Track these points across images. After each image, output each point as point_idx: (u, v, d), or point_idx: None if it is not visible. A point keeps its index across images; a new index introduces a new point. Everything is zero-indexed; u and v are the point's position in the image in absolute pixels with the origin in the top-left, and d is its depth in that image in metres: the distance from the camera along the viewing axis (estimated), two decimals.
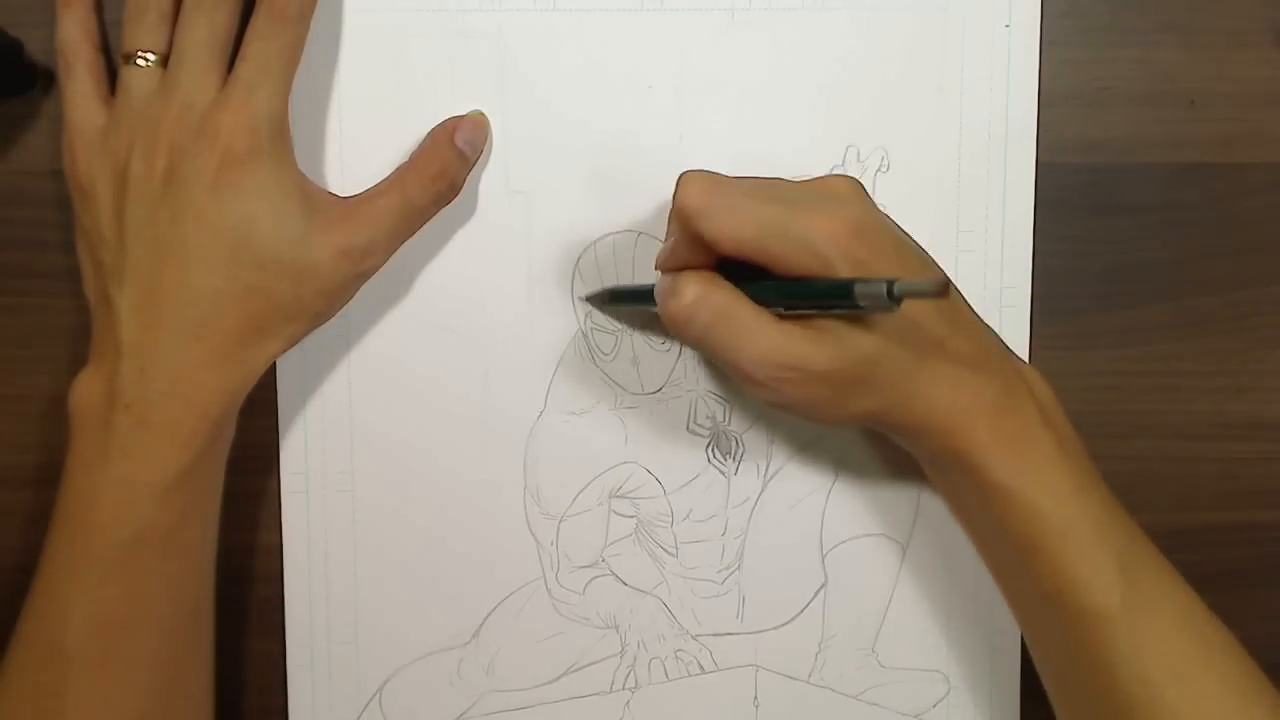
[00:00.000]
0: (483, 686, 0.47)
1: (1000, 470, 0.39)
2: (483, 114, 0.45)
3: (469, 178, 0.45)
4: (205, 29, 0.41)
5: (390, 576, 0.47)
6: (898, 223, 0.40)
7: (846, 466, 0.47)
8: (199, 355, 0.40)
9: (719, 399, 0.47)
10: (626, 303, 0.45)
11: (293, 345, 0.42)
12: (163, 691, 0.42)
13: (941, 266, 0.41)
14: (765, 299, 0.38)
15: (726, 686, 0.48)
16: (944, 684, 0.48)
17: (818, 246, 0.36)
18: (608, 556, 0.47)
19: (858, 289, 0.35)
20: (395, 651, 0.47)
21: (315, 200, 0.42)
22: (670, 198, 0.39)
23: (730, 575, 0.47)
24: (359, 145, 0.45)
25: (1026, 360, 0.46)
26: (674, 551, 0.47)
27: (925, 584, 0.47)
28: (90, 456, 0.40)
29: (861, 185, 0.39)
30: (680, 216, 0.38)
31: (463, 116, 0.44)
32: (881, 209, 0.40)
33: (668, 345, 0.46)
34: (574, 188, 0.45)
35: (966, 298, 0.42)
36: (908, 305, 0.34)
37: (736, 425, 0.47)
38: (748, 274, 0.38)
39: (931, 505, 0.47)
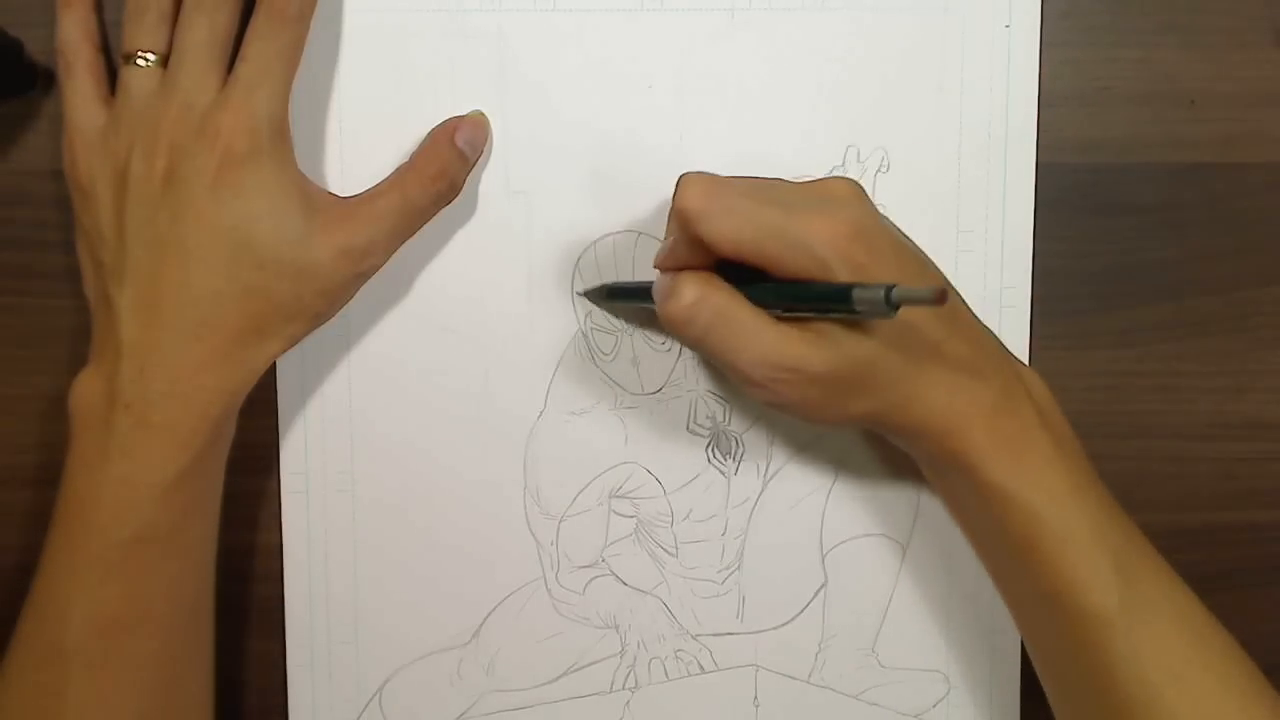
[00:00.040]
0: (483, 686, 0.47)
1: (998, 472, 0.39)
2: (483, 114, 0.45)
3: (469, 178, 0.45)
4: (205, 29, 0.41)
5: (390, 576, 0.47)
6: (897, 224, 0.40)
7: (846, 467, 0.47)
8: (199, 355, 0.40)
9: (719, 399, 0.47)
10: (625, 300, 0.45)
11: (293, 345, 0.42)
12: (163, 691, 0.42)
13: (941, 269, 0.41)
14: (764, 301, 0.38)
15: (726, 686, 0.48)
16: (944, 684, 0.48)
17: (816, 249, 0.36)
18: (608, 556, 0.47)
19: (855, 294, 0.35)
20: (395, 651, 0.47)
21: (315, 200, 0.42)
22: (670, 198, 0.39)
23: (730, 575, 0.47)
24: (359, 145, 0.45)
25: (1026, 360, 0.46)
26: (674, 551, 0.47)
27: (925, 584, 0.48)
28: (90, 456, 0.40)
29: (861, 188, 0.39)
30: (679, 218, 0.38)
31: (463, 116, 0.44)
32: (881, 209, 0.40)
33: (668, 345, 0.46)
34: (574, 188, 0.45)
35: (966, 298, 0.42)
36: (906, 310, 0.34)
37: (736, 425, 0.47)
38: (747, 275, 0.38)
39: (931, 505, 0.47)
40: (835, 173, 0.46)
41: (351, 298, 0.43)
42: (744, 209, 0.37)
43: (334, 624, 0.47)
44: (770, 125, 0.45)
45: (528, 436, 0.46)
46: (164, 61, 0.41)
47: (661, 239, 0.43)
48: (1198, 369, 0.47)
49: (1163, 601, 0.40)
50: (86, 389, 0.41)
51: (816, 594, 0.48)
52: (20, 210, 0.46)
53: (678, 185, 0.38)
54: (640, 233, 0.46)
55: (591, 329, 0.46)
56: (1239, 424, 0.47)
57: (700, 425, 0.47)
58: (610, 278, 0.46)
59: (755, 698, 0.48)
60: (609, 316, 0.46)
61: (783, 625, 0.48)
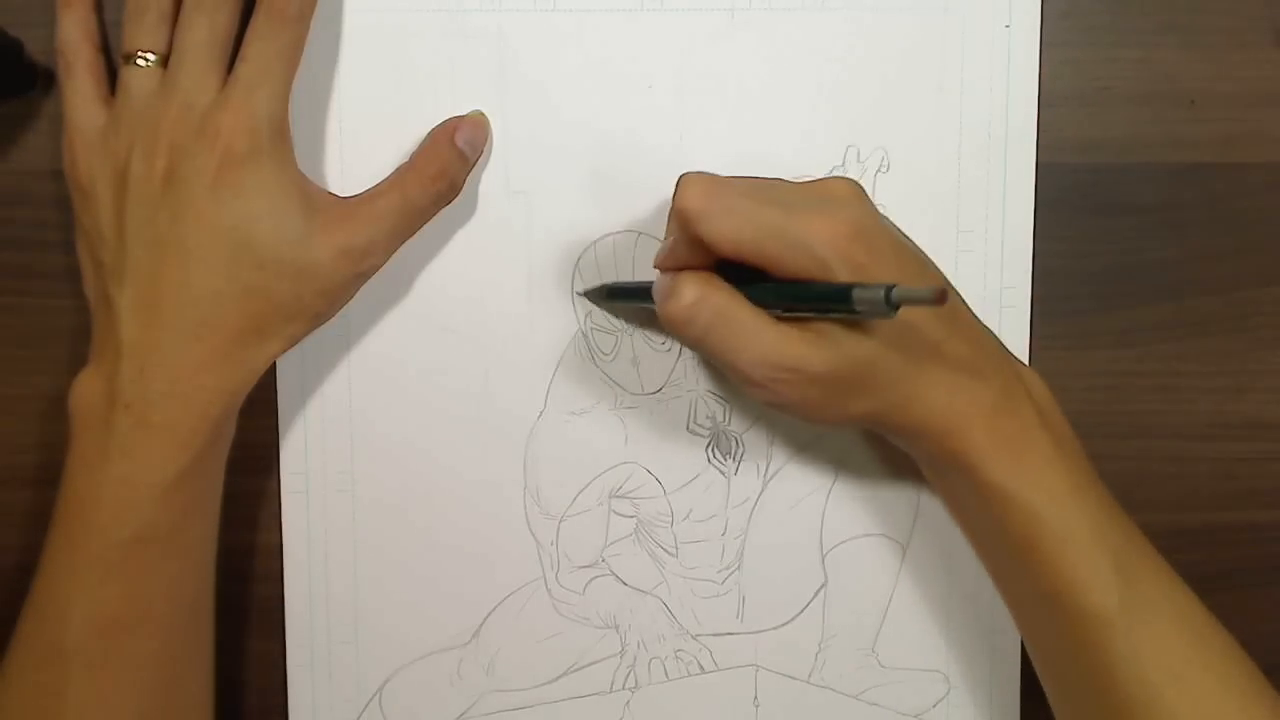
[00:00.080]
0: (483, 686, 0.47)
1: (998, 472, 0.39)
2: (483, 114, 0.45)
3: (469, 178, 0.45)
4: (205, 29, 0.41)
5: (390, 576, 0.47)
6: (897, 224, 0.40)
7: (846, 467, 0.47)
8: (199, 355, 0.40)
9: (719, 399, 0.47)
10: (625, 299, 0.45)
11: (293, 345, 0.42)
12: (163, 691, 0.42)
13: (941, 269, 0.41)
14: (764, 301, 0.38)
15: (726, 686, 0.48)
16: (944, 684, 0.48)
17: (816, 249, 0.36)
18: (608, 556, 0.47)
19: (855, 294, 0.35)
20: (395, 651, 0.47)
21: (315, 200, 0.42)
22: (670, 198, 0.39)
23: (730, 575, 0.47)
24: (359, 145, 0.45)
25: (1026, 360, 0.46)
26: (674, 551, 0.47)
27: (925, 584, 0.48)
28: (90, 456, 0.40)
29: (861, 188, 0.39)
30: (679, 218, 0.38)
31: (463, 116, 0.44)
32: (881, 210, 0.40)
33: (668, 345, 0.46)
34: (574, 188, 0.45)
35: (966, 298, 0.42)
36: (906, 310, 0.34)
37: (736, 425, 0.47)
38: (746, 275, 0.38)
39: (931, 505, 0.47)
40: (835, 173, 0.46)
41: (351, 298, 0.43)
42: (744, 209, 0.37)
43: (334, 624, 0.47)
44: (770, 125, 0.45)
45: (528, 436, 0.46)
46: (164, 61, 0.41)
47: (661, 239, 0.43)
48: (1198, 369, 0.47)
49: (1163, 601, 0.40)
50: (86, 389, 0.41)
51: (816, 594, 0.48)
52: (20, 210, 0.46)
53: (678, 185, 0.38)
54: (640, 233, 0.46)
55: (591, 329, 0.46)
56: (1239, 424, 0.47)
57: (700, 425, 0.47)
58: (610, 278, 0.46)
59: (755, 698, 0.48)
60: (609, 316, 0.46)
61: (783, 625, 0.48)
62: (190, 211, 0.40)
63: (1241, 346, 0.47)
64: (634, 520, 0.47)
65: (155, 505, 0.40)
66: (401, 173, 0.44)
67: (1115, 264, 0.47)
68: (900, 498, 0.47)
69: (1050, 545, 0.39)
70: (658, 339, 0.46)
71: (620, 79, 0.45)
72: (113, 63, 0.43)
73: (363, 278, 0.43)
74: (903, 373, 0.39)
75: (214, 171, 0.39)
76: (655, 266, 0.40)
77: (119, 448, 0.40)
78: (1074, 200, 0.46)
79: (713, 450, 0.47)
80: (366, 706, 0.47)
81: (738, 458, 0.47)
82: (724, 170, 0.40)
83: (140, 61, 0.41)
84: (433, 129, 0.44)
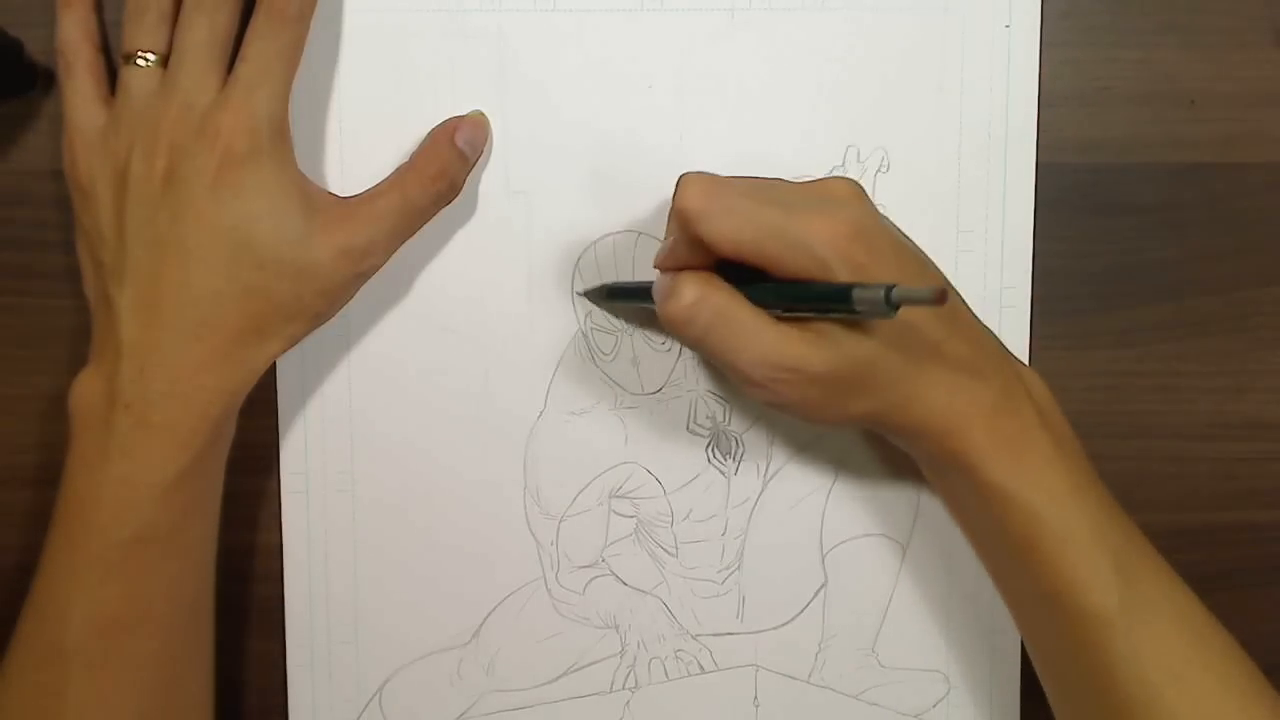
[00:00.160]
0: (483, 686, 0.47)
1: (998, 472, 0.39)
2: (483, 114, 0.45)
3: (469, 178, 0.45)
4: (205, 29, 0.41)
5: (390, 576, 0.47)
6: (897, 224, 0.40)
7: (846, 467, 0.47)
8: (199, 355, 0.40)
9: (719, 399, 0.47)
10: (624, 300, 0.45)
11: (293, 345, 0.42)
12: (163, 691, 0.42)
13: (941, 269, 0.41)
14: (764, 301, 0.38)
15: (726, 686, 0.48)
16: (944, 684, 0.48)
17: (816, 249, 0.36)
18: (608, 556, 0.47)
19: (855, 294, 0.35)
20: (395, 651, 0.47)
21: (315, 200, 0.42)
22: (670, 198, 0.39)
23: (730, 575, 0.47)
24: (359, 145, 0.45)
25: (1026, 360, 0.46)
26: (674, 551, 0.47)
27: (925, 584, 0.47)
28: (90, 456, 0.40)
29: (861, 188, 0.39)
30: (679, 218, 0.38)
31: (463, 116, 0.44)
32: (881, 210, 0.40)
33: (668, 345, 0.46)
34: (574, 188, 0.45)
35: (966, 298, 0.42)
36: (906, 310, 0.34)
37: (736, 425, 0.47)
38: (746, 275, 0.38)
39: (931, 505, 0.47)
40: (835, 173, 0.46)
41: (351, 298, 0.43)
42: (744, 209, 0.37)
43: (334, 624, 0.47)
44: (770, 125, 0.45)
45: (528, 436, 0.46)
46: (164, 61, 0.41)
47: (661, 239, 0.43)
48: (1198, 369, 0.47)
49: (1163, 601, 0.40)
50: (86, 389, 0.41)
51: (816, 594, 0.48)
52: (20, 210, 0.46)
53: (678, 185, 0.38)
54: (640, 233, 0.46)
55: (591, 329, 0.46)
56: (1239, 424, 0.47)
57: (700, 425, 0.47)
58: (610, 278, 0.46)
59: (755, 698, 0.48)
60: (609, 316, 0.46)
61: (783, 625, 0.48)
62: (190, 211, 0.40)
63: (1241, 346, 0.47)
64: (634, 520, 0.47)
65: (155, 505, 0.40)
66: (401, 173, 0.44)
67: (1115, 264, 0.47)
68: (900, 498, 0.47)
69: (1050, 545, 0.39)
70: (658, 339, 0.46)
71: (620, 79, 0.45)
72: (113, 63, 0.43)
73: (363, 278, 0.43)
74: (903, 373, 0.39)
75: (214, 171, 0.39)
76: (655, 266, 0.40)
77: (119, 448, 0.40)
78: (1074, 200, 0.46)
79: (713, 450, 0.47)
80: (366, 706, 0.47)
81: (738, 458, 0.47)
82: (724, 170, 0.40)
83: (140, 61, 0.41)
84: (433, 129, 0.44)
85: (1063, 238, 0.46)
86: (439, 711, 0.47)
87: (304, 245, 0.41)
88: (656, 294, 0.39)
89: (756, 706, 0.48)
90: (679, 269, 0.39)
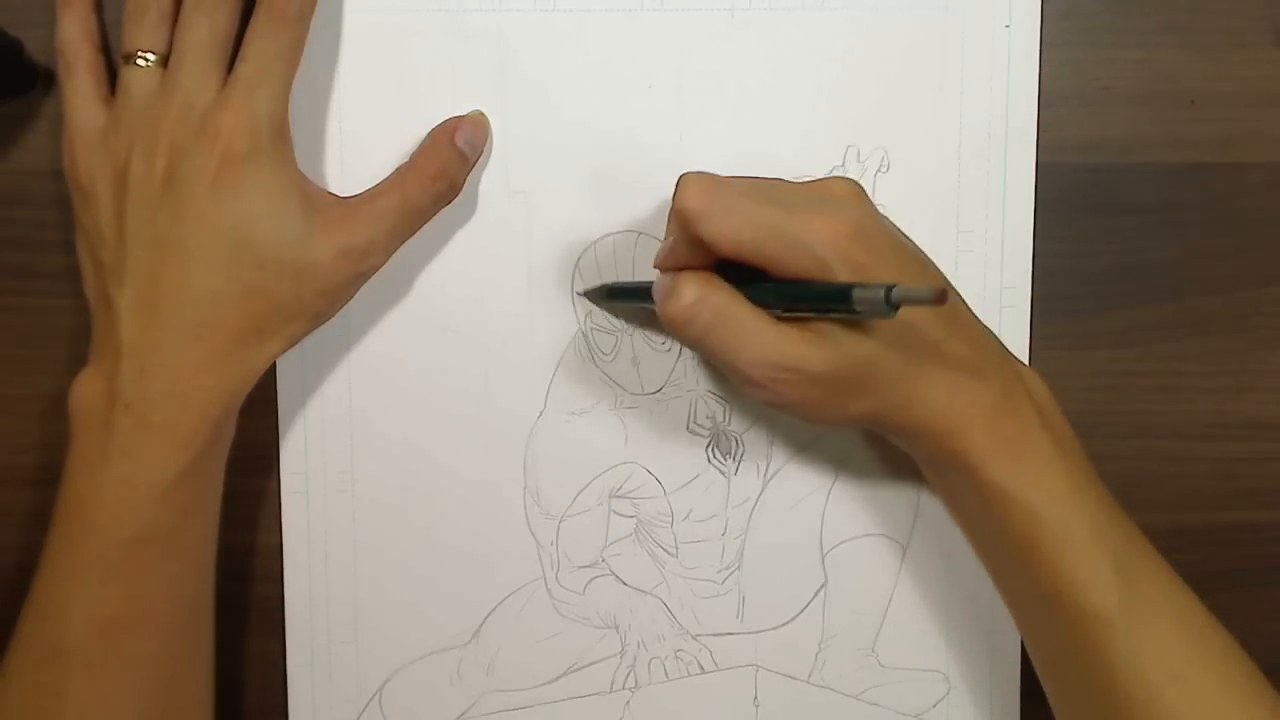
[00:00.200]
0: (483, 686, 0.47)
1: (998, 472, 0.39)
2: (483, 114, 0.45)
3: (469, 178, 0.45)
4: (205, 29, 0.41)
5: (390, 576, 0.47)
6: (897, 224, 0.40)
7: (846, 467, 0.47)
8: (199, 355, 0.40)
9: (719, 399, 0.47)
10: (625, 300, 0.45)
11: (293, 345, 0.42)
12: (163, 691, 0.42)
13: (941, 269, 0.41)
14: (764, 301, 0.38)
15: (726, 686, 0.48)
16: (944, 684, 0.48)
17: (816, 249, 0.36)
18: (608, 556, 0.47)
19: (855, 294, 0.35)
20: (395, 651, 0.47)
21: (315, 200, 0.42)
22: (670, 198, 0.39)
23: (730, 575, 0.47)
24: (359, 145, 0.45)
25: (1026, 360, 0.46)
26: (674, 551, 0.47)
27: (925, 584, 0.47)
28: (90, 456, 0.40)
29: (861, 188, 0.39)
30: (679, 218, 0.38)
31: (463, 116, 0.44)
32: (881, 210, 0.40)
33: (668, 345, 0.46)
34: (574, 188, 0.45)
35: (966, 298, 0.42)
36: (906, 310, 0.34)
37: (736, 425, 0.47)
38: (747, 275, 0.38)
39: (931, 505, 0.47)
40: (835, 173, 0.46)
41: (351, 298, 0.43)
42: (744, 209, 0.37)
43: (334, 624, 0.47)
44: (770, 125, 0.45)
45: (528, 436, 0.46)
46: (164, 61, 0.41)
47: (661, 239, 0.43)
48: (1198, 369, 0.47)
49: (1163, 601, 0.40)
50: (86, 389, 0.41)
51: (816, 594, 0.48)
52: (20, 210, 0.46)
53: (678, 185, 0.38)
54: (640, 233, 0.46)
55: (591, 329, 0.46)
56: (1239, 424, 0.47)
57: (700, 425, 0.47)
58: (610, 278, 0.46)
59: (755, 698, 0.48)
60: (609, 316, 0.46)
61: (783, 625, 0.48)
62: (190, 211, 0.40)
63: (1241, 346, 0.47)
64: (634, 520, 0.47)
65: (155, 505, 0.40)
66: (401, 173, 0.44)
67: (1115, 264, 0.47)
68: (900, 498, 0.47)
69: (1050, 545, 0.39)
70: (658, 339, 0.46)
71: (620, 79, 0.45)
72: (113, 63, 0.43)
73: (363, 278, 0.43)
74: (903, 373, 0.39)
75: (214, 171, 0.39)
76: (655, 266, 0.40)
77: (119, 448, 0.40)
78: (1074, 200, 0.46)
79: (713, 450, 0.47)
80: (366, 706, 0.47)
81: (738, 458, 0.47)
82: (724, 170, 0.40)
83: (140, 61, 0.41)
84: (433, 129, 0.44)
85: (1063, 238, 0.46)
86: (439, 711, 0.47)
87: (304, 245, 0.41)
88: (656, 294, 0.39)
89: (756, 706, 0.48)
90: (679, 269, 0.39)
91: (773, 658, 0.48)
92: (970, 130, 0.45)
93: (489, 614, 0.47)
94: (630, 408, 0.47)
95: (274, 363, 0.43)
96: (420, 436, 0.46)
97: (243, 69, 0.40)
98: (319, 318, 0.42)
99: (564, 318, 0.46)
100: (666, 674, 0.48)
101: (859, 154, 0.46)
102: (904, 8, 0.45)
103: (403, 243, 0.43)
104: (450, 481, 0.46)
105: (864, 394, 0.39)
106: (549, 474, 0.47)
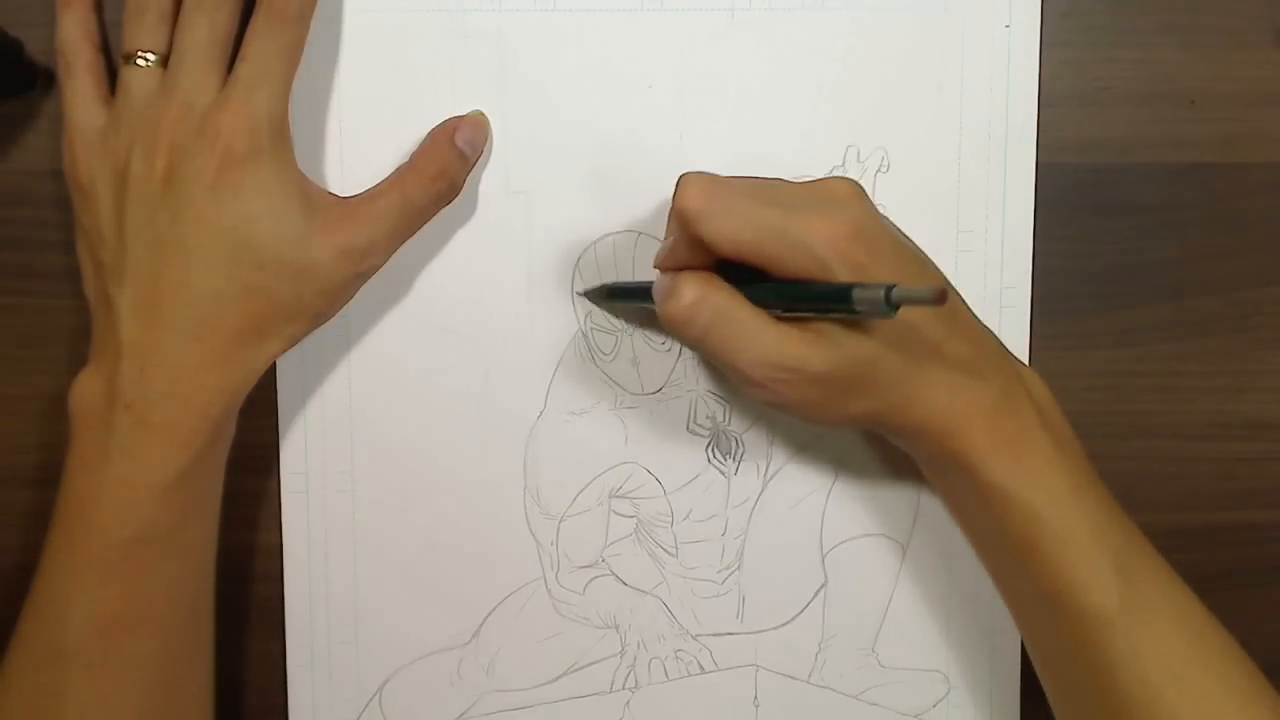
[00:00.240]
0: (483, 686, 0.47)
1: (998, 472, 0.39)
2: (483, 114, 0.45)
3: (469, 178, 0.45)
4: (205, 29, 0.41)
5: (390, 576, 0.47)
6: (897, 224, 0.40)
7: (846, 467, 0.47)
8: (199, 355, 0.40)
9: (719, 399, 0.47)
10: (625, 300, 0.45)
11: (293, 345, 0.42)
12: (163, 691, 0.42)
13: (941, 269, 0.41)
14: (764, 301, 0.38)
15: (726, 686, 0.48)
16: (944, 684, 0.48)
17: (816, 249, 0.36)
18: (608, 556, 0.47)
19: (855, 294, 0.35)
20: (395, 651, 0.47)
21: (315, 200, 0.42)
22: (670, 198, 0.39)
23: (730, 575, 0.47)
24: (359, 145, 0.45)
25: (1026, 360, 0.46)
26: (674, 551, 0.47)
27: (925, 584, 0.47)
28: (90, 456, 0.40)
29: (861, 188, 0.39)
30: (679, 218, 0.38)
31: (463, 116, 0.44)
32: (881, 210, 0.40)
33: (668, 345, 0.46)
34: (574, 188, 0.45)
35: (966, 298, 0.42)
36: (906, 310, 0.34)
37: (736, 425, 0.47)
38: (747, 275, 0.38)
39: (931, 505, 0.47)
40: (835, 173, 0.46)
41: (351, 298, 0.43)
42: (744, 209, 0.37)
43: (334, 624, 0.47)
44: (770, 125, 0.45)
45: (528, 436, 0.46)
46: (164, 61, 0.41)
47: (661, 239, 0.43)
48: (1198, 369, 0.47)
49: (1163, 601, 0.40)
50: (86, 389, 0.41)
51: (816, 594, 0.48)
52: (20, 210, 0.46)
53: (678, 185, 0.38)
54: (640, 233, 0.46)
55: (591, 329, 0.46)
56: (1239, 424, 0.47)
57: (700, 425, 0.47)
58: (610, 278, 0.46)
59: (755, 698, 0.48)
60: (609, 316, 0.46)
61: (783, 625, 0.48)
62: (190, 211, 0.40)
63: (1241, 346, 0.47)
64: (634, 520, 0.47)
65: (155, 505, 0.40)
66: (401, 173, 0.44)
67: (1115, 264, 0.47)
68: (900, 498, 0.47)
69: (1050, 545, 0.39)
70: (658, 339, 0.46)
71: (620, 79, 0.45)
72: (113, 63, 0.43)
73: (363, 278, 0.43)
74: (903, 373, 0.39)
75: (214, 171, 0.39)
76: (655, 266, 0.40)
77: (119, 448, 0.40)
78: (1074, 200, 0.46)
79: (713, 450, 0.47)
80: (366, 706, 0.47)
81: (738, 458, 0.47)
82: (724, 170, 0.40)
83: (140, 61, 0.41)
84: (433, 129, 0.44)
85: (1063, 238, 0.46)
86: (439, 711, 0.47)
87: (304, 245, 0.41)
88: (656, 294, 0.39)
89: (756, 706, 0.48)
90: (679, 269, 0.39)
91: (773, 658, 0.48)
92: (970, 130, 0.45)
93: (489, 614, 0.47)
94: (630, 408, 0.47)
95: (274, 363, 0.43)
96: (420, 436, 0.46)
97: (243, 69, 0.40)
98: (319, 318, 0.42)
99: (564, 318, 0.46)
100: (666, 674, 0.48)
101: (859, 154, 0.46)
102: (904, 8, 0.45)
103: (403, 243, 0.43)
104: (450, 481, 0.46)
105: (864, 394, 0.39)
106: (549, 474, 0.47)
